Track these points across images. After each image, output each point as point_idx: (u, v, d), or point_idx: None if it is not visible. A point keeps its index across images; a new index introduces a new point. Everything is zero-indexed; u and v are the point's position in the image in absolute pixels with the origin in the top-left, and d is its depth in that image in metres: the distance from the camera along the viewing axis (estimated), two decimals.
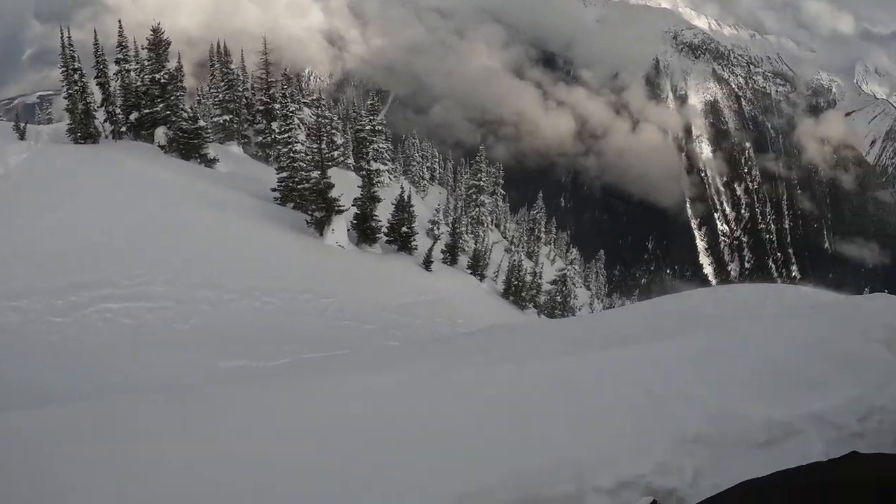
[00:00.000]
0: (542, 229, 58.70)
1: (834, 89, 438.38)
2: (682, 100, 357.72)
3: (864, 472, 1.26)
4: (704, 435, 2.69)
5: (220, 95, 33.67)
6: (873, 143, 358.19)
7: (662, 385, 3.15)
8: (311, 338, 12.52)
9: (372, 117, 38.81)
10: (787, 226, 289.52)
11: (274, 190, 24.58)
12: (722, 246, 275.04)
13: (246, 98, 34.82)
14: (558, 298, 38.78)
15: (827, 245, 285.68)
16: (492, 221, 53.83)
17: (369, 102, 41.54)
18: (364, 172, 27.17)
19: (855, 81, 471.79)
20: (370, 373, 5.36)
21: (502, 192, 58.92)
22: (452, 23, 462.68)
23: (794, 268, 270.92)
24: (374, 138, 38.02)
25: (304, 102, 33.28)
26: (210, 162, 26.42)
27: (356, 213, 25.48)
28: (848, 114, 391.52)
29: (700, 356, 3.69)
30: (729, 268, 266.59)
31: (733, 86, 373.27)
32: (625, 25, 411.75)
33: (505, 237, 58.12)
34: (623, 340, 5.99)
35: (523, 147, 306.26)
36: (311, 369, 8.24)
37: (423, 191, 53.87)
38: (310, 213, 23.01)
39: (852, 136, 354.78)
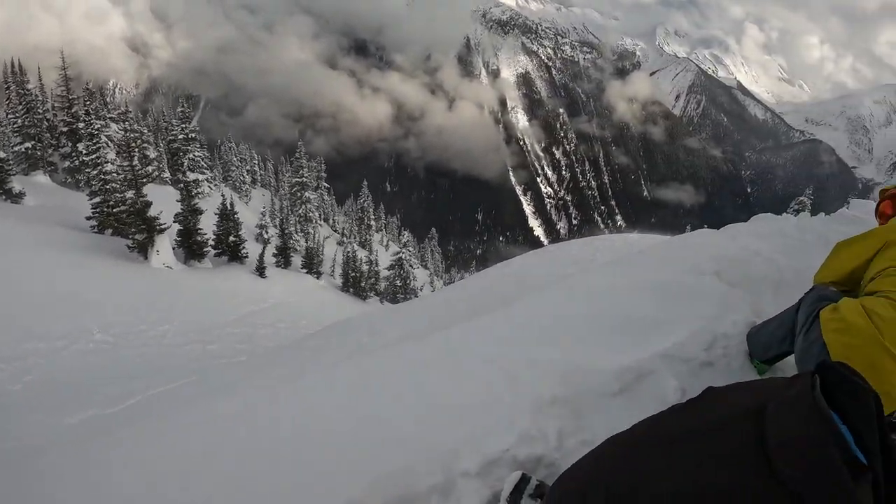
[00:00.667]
0: (372, 217, 59.24)
1: (638, 52, 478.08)
2: (494, 74, 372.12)
3: (722, 408, 1.28)
4: (560, 395, 2.74)
5: (20, 121, 30.57)
6: (678, 97, 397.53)
7: (508, 354, 3.17)
8: (155, 370, 12.20)
9: (184, 125, 37.51)
10: (606, 180, 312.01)
11: (89, 218, 23.45)
12: (548, 207, 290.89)
13: (48, 120, 32.07)
14: (398, 283, 39.87)
15: (646, 193, 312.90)
16: (320, 217, 53.55)
17: (180, 109, 39.85)
18: (182, 185, 26.62)
19: (657, 44, 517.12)
20: (213, 398, 5.38)
21: (326, 185, 58.93)
22: (261, 18, 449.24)
23: (618, 218, 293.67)
24: (189, 147, 36.84)
25: (110, 118, 31.46)
26: (16, 197, 24.41)
27: (179, 229, 25.08)
28: (652, 73, 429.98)
29: (540, 317, 3.71)
30: (558, 226, 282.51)
31: (543, 57, 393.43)
32: (434, 7, 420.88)
33: (336, 230, 58.39)
34: (462, 315, 6.11)
35: (343, 137, 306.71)
36: (158, 407, 8.17)
37: (247, 196, 52.75)
38: (130, 236, 22.28)
39: (658, 93, 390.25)
